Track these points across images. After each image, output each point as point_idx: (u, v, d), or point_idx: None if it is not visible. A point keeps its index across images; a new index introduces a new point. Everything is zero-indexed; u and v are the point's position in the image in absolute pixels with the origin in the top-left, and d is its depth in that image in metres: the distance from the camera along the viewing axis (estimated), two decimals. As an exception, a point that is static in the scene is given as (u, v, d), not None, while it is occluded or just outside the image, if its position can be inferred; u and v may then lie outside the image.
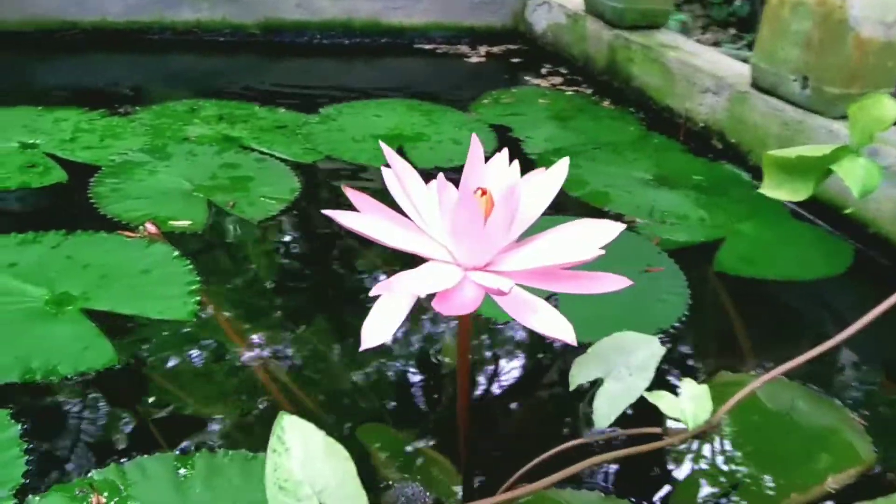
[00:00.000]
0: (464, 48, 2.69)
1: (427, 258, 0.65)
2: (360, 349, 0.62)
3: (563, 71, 2.46)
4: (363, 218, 0.66)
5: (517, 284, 0.64)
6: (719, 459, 0.97)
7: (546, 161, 1.79)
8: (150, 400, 1.04)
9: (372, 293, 0.59)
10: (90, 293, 1.19)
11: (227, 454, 0.92)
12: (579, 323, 1.20)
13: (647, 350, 0.75)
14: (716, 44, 2.64)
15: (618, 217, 1.56)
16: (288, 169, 1.66)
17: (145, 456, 0.91)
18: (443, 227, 0.65)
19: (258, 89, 2.21)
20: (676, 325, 1.23)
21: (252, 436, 1.00)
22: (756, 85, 1.78)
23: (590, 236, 0.68)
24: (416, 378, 1.12)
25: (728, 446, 0.98)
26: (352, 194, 0.68)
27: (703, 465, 0.97)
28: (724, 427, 0.99)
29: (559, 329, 0.61)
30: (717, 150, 1.89)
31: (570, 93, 2.28)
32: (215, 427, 1.01)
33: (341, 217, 0.64)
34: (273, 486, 0.57)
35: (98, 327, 1.12)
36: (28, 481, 0.87)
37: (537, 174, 0.73)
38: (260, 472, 0.90)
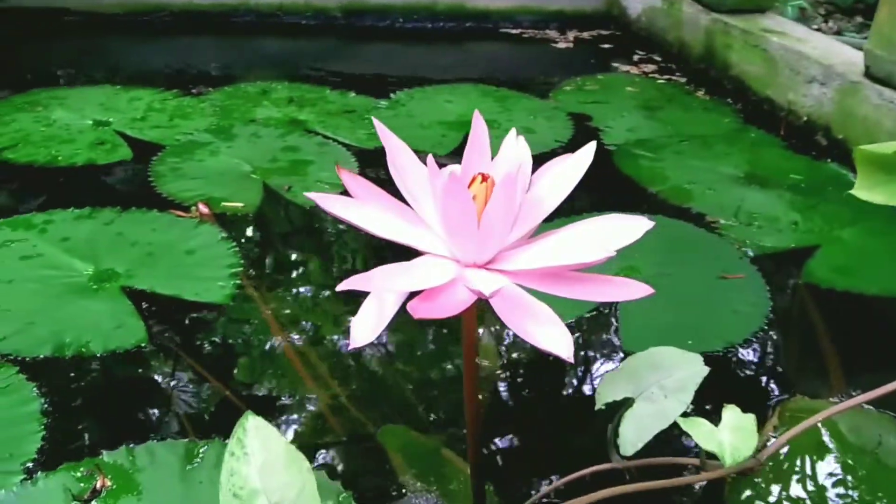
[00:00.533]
0: (552, 33, 2.58)
1: (423, 252, 0.57)
2: (349, 349, 0.56)
3: (657, 58, 2.31)
4: (351, 204, 0.58)
5: (523, 287, 0.55)
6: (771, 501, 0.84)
7: (625, 153, 1.68)
8: (175, 383, 1.00)
9: (343, 287, 0.51)
10: (133, 271, 1.17)
11: (238, 448, 0.86)
12: (637, 331, 1.11)
13: (687, 369, 0.65)
14: (838, 33, 2.42)
15: (699, 217, 1.43)
16: (349, 154, 1.61)
17: (157, 441, 0.87)
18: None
19: (334, 73, 2.17)
20: (751, 339, 1.10)
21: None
22: (870, 74, 1.60)
23: (616, 234, 0.58)
24: (450, 379, 1.03)
25: (783, 487, 0.85)
26: (345, 176, 0.60)
27: None
28: (783, 463, 0.86)
29: (555, 342, 0.51)
30: (821, 147, 1.72)
31: (661, 81, 2.14)
32: (237, 415, 0.96)
33: (326, 202, 0.57)
34: (227, 493, 0.51)
35: (134, 306, 1.09)
36: (39, 457, 0.85)
37: (559, 162, 0.63)
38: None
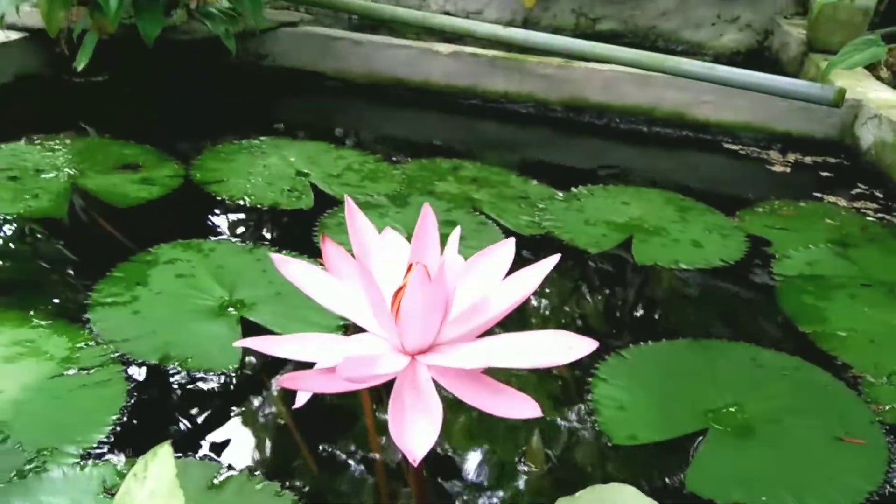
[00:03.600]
0: (773, 154, 2.44)
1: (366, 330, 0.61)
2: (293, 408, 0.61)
3: (879, 195, 2.10)
4: (306, 271, 0.63)
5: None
6: None
7: (791, 286, 1.55)
8: (245, 412, 1.09)
9: (245, 344, 0.56)
10: (258, 305, 1.31)
11: (260, 482, 0.93)
12: (709, 470, 1.01)
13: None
14: None
15: (844, 367, 1.28)
16: (501, 236, 1.65)
17: (197, 458, 0.97)
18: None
19: (535, 160, 2.26)
20: (840, 516, 0.96)
21: (308, 475, 1.00)
22: None
23: (552, 350, 0.57)
24: (489, 483, 1.01)
25: None
26: (327, 245, 0.65)
27: None
28: None
29: (412, 443, 0.52)
30: None
31: (871, 219, 1.93)
32: (292, 455, 1.03)
33: (282, 264, 0.62)
34: (116, 510, 0.57)
35: (241, 335, 1.22)
36: (99, 447, 0.98)
37: (523, 271, 0.65)
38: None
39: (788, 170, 2.33)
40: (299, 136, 2.19)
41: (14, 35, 2.30)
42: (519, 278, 0.69)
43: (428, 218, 0.66)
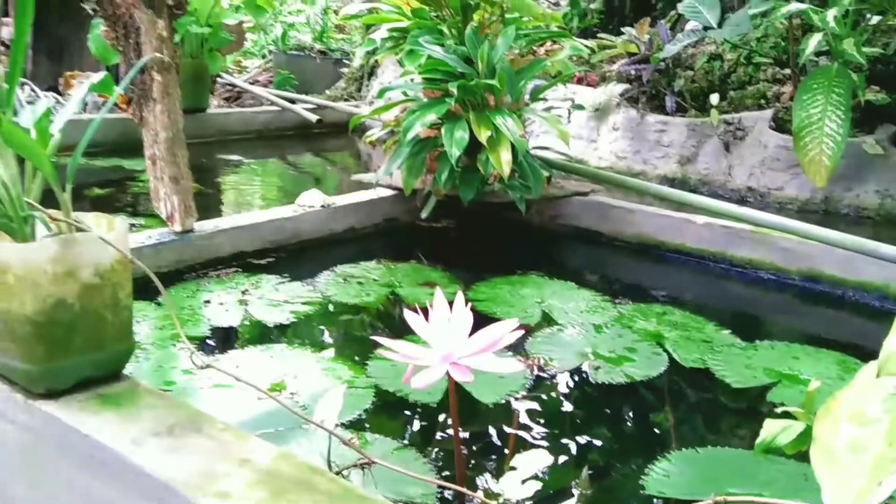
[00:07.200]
0: None
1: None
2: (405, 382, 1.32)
3: None
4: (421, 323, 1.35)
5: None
6: None
7: None
8: (423, 422, 1.81)
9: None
10: (466, 375, 2.03)
11: (401, 448, 1.63)
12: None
13: None
14: None
15: None
16: (665, 367, 2.15)
17: (379, 437, 1.71)
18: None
19: (756, 317, 2.67)
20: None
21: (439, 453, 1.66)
22: None
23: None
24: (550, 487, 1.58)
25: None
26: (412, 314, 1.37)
27: None
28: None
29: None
30: None
31: None
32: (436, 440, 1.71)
33: (410, 317, 1.35)
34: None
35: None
36: (346, 423, 1.77)
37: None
38: None
39: None
40: (566, 279, 2.88)
41: (387, 192, 3.43)
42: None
43: (439, 300, 1.34)
